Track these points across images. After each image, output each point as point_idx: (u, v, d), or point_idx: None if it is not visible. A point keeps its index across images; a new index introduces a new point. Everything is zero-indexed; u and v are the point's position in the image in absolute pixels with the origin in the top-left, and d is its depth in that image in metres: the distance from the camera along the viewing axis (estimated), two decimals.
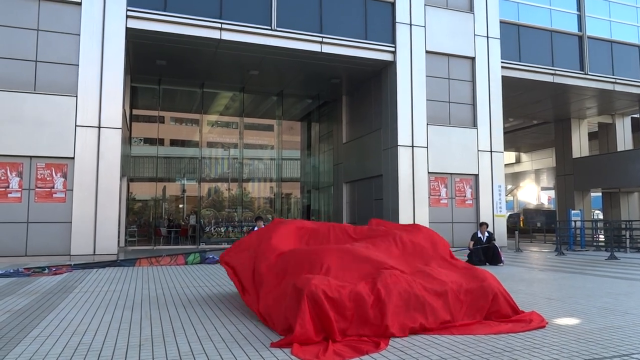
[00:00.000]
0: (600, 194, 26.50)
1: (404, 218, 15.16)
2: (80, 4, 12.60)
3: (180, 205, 23.00)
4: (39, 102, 12.09)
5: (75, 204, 12.16)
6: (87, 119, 12.43)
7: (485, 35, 16.87)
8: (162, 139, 21.60)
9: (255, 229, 11.93)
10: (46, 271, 9.77)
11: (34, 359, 3.96)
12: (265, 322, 5.18)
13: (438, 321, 4.80)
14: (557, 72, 18.18)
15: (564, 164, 24.69)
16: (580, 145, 24.33)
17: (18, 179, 11.95)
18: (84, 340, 4.54)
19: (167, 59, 15.83)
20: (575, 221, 18.31)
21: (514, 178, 40.71)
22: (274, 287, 5.34)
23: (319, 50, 14.88)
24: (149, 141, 21.46)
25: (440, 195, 15.99)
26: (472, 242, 12.25)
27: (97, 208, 12.30)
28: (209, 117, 22.48)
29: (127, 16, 13.01)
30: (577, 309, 6.10)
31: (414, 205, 15.41)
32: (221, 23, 13.81)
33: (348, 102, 19.98)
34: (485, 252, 11.95)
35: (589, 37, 18.96)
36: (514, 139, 30.72)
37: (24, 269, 9.88)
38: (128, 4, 13.00)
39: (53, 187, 12.18)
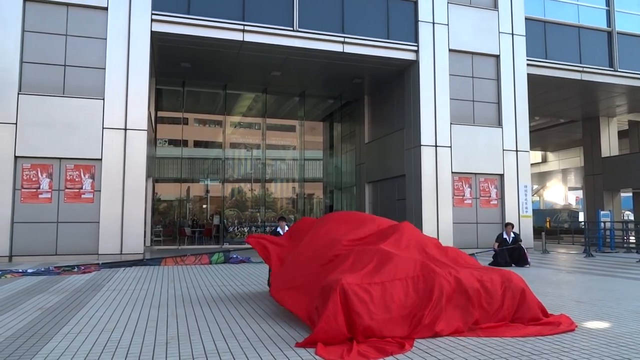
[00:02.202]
0: (630, 194, 25.80)
1: (428, 218, 15.03)
2: (106, 9, 12.87)
3: (204, 206, 23.27)
4: (68, 106, 12.39)
5: (102, 205, 12.42)
6: (114, 122, 12.69)
7: (510, 32, 16.59)
8: (186, 140, 21.91)
9: (278, 229, 11.96)
10: (75, 270, 10.01)
11: (65, 355, 4.07)
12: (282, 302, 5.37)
13: (468, 324, 4.76)
14: (585, 69, 17.75)
15: (592, 164, 24.10)
16: (609, 144, 23.71)
17: (48, 180, 12.28)
18: (113, 338, 4.63)
19: (191, 61, 16.03)
20: (604, 222, 17.86)
21: (540, 178, 39.91)
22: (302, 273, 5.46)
23: (341, 51, 14.87)
24: (174, 142, 21.79)
25: (464, 196, 15.79)
26: (497, 243, 12.05)
27: (123, 208, 12.54)
28: (232, 118, 22.69)
29: (152, 20, 13.23)
30: (608, 312, 5.95)
31: (437, 206, 15.25)
32: (244, 25, 13.93)
33: (370, 102, 19.91)
34: (511, 253, 11.75)
35: (618, 33, 18.45)
36: (540, 138, 30.13)
37: (54, 267, 10.15)
38: (153, 8, 13.22)
39: (81, 188, 12.47)
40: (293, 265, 5.93)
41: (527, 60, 16.77)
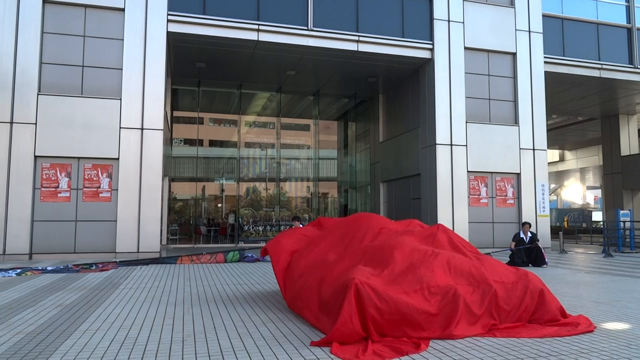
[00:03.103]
0: None
1: (443, 217, 14.93)
2: (123, 10, 13.02)
3: (219, 205, 23.41)
4: (86, 106, 12.58)
5: (120, 203, 12.58)
6: (131, 121, 12.84)
7: (527, 29, 16.39)
8: (202, 140, 22.06)
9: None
10: (93, 268, 10.16)
11: (84, 351, 4.13)
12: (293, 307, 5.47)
13: (485, 328, 4.73)
14: (604, 67, 17.46)
15: (611, 162, 23.71)
16: (629, 142, 23.29)
17: (67, 179, 12.48)
18: (130, 335, 4.69)
19: (206, 61, 16.15)
20: (624, 222, 17.54)
21: (558, 177, 39.36)
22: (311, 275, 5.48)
23: (356, 49, 14.84)
24: (189, 142, 21.96)
25: (480, 195, 15.65)
26: (513, 243, 11.91)
27: (140, 207, 12.69)
28: (247, 118, 22.80)
29: (168, 20, 13.35)
30: (627, 313, 5.84)
31: (452, 205, 15.15)
32: (258, 24, 13.98)
33: (385, 101, 19.84)
34: (528, 253, 11.60)
35: (638, 29, 18.11)
36: (558, 136, 29.73)
37: (73, 265, 10.31)
38: (169, 9, 13.35)
39: (99, 187, 12.65)
40: (306, 274, 5.90)
41: (545, 57, 16.55)
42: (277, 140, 21.93)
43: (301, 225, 10.99)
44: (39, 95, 12.33)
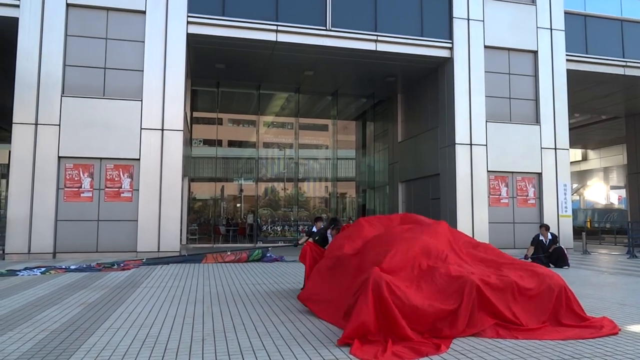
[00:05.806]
0: None
1: (463, 218, 14.79)
2: (144, 12, 13.21)
3: (238, 205, 23.58)
4: (108, 107, 12.79)
5: (141, 203, 12.76)
6: (151, 122, 13.01)
7: (549, 27, 16.12)
8: (221, 140, 22.25)
9: (314, 229, 11.92)
10: (115, 267, 10.32)
11: (106, 349, 4.20)
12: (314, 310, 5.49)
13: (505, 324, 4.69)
14: (629, 64, 17.08)
15: (636, 161, 23.19)
16: None
17: (89, 179, 12.71)
18: (151, 333, 4.76)
19: (225, 62, 16.27)
20: None
21: (581, 176, 38.64)
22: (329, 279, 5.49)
23: (374, 49, 14.79)
24: (208, 142, 22.17)
25: (500, 195, 15.45)
26: (532, 248, 11.58)
27: (161, 207, 12.85)
28: (265, 118, 22.92)
29: (188, 22, 13.49)
30: None
31: (472, 205, 14.98)
32: (277, 25, 14.03)
33: (403, 100, 19.73)
34: (548, 254, 11.37)
35: None
36: (581, 135, 29.18)
37: (96, 264, 10.49)
38: (189, 11, 13.49)
39: (121, 187, 12.85)
40: (329, 276, 5.92)
41: (567, 55, 16.25)
42: (296, 141, 21.99)
43: (322, 226, 10.89)
44: (63, 97, 12.58)
